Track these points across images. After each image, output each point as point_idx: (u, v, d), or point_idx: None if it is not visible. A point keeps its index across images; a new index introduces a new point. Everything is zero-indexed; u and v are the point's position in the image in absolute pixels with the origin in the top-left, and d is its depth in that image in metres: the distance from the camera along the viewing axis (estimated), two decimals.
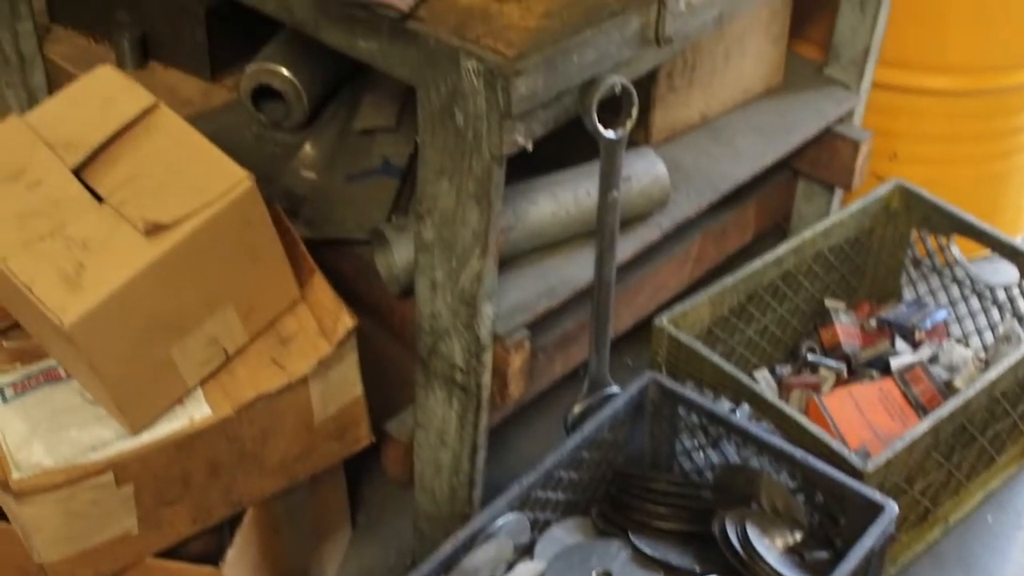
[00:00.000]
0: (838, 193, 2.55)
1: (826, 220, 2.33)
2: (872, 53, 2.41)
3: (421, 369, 1.88)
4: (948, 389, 2.20)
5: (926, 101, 2.61)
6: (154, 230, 1.58)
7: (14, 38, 2.53)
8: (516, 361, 1.86)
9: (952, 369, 2.28)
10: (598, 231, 1.79)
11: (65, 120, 1.72)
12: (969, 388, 2.02)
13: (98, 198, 1.64)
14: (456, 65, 1.56)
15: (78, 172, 1.67)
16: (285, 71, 2.21)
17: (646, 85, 2.11)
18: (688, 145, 2.24)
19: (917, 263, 2.47)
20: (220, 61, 2.44)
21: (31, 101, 2.60)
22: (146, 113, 1.70)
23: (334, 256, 2.03)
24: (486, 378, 1.83)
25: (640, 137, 2.18)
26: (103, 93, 1.74)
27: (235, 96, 2.37)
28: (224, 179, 1.63)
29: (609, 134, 1.68)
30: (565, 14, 1.60)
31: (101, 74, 1.77)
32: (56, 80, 2.58)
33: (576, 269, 1.97)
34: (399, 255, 1.89)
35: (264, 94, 2.26)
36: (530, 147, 1.61)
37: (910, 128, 2.64)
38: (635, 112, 1.70)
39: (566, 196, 1.96)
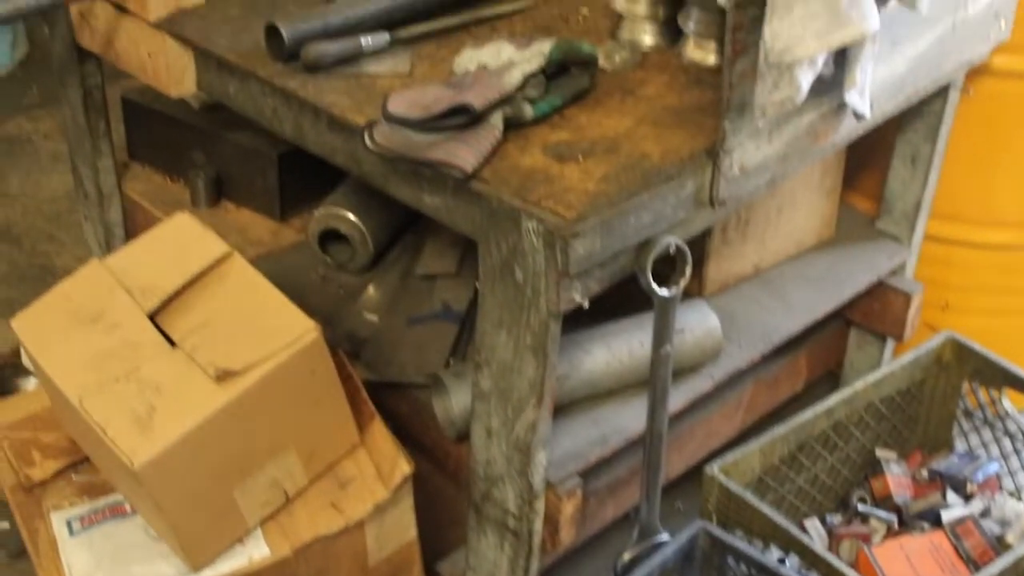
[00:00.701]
0: (890, 342, 2.59)
1: (878, 371, 2.36)
2: (923, 207, 2.47)
3: (474, 513, 1.92)
4: (1000, 544, 2.20)
5: (978, 254, 2.64)
6: (224, 376, 1.65)
7: (95, 174, 2.64)
8: (568, 508, 1.90)
9: (1004, 523, 2.28)
10: (651, 383, 1.83)
11: (143, 265, 1.80)
12: (1021, 544, 2.02)
13: (171, 343, 1.72)
14: (517, 225, 1.63)
15: (153, 316, 1.75)
16: (351, 216, 2.30)
17: (700, 238, 2.17)
18: (741, 296, 2.30)
19: (969, 414, 2.48)
20: (290, 203, 2.54)
21: (107, 235, 2.71)
22: (220, 261, 1.79)
23: (393, 398, 2.08)
24: (538, 524, 1.87)
25: (694, 288, 2.24)
26: (180, 240, 1.83)
27: (303, 237, 2.46)
28: (292, 329, 1.70)
29: (663, 292, 1.74)
30: (623, 177, 1.67)
31: (178, 221, 1.86)
32: (132, 215, 2.70)
33: (629, 417, 2.01)
34: (456, 401, 1.95)
35: (331, 237, 2.35)
36: (586, 304, 1.67)
37: (962, 280, 2.67)
38: (689, 271, 1.75)
39: (620, 347, 2.01)
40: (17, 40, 4.34)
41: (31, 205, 3.77)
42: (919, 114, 2.36)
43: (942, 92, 2.31)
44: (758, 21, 1.63)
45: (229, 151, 2.56)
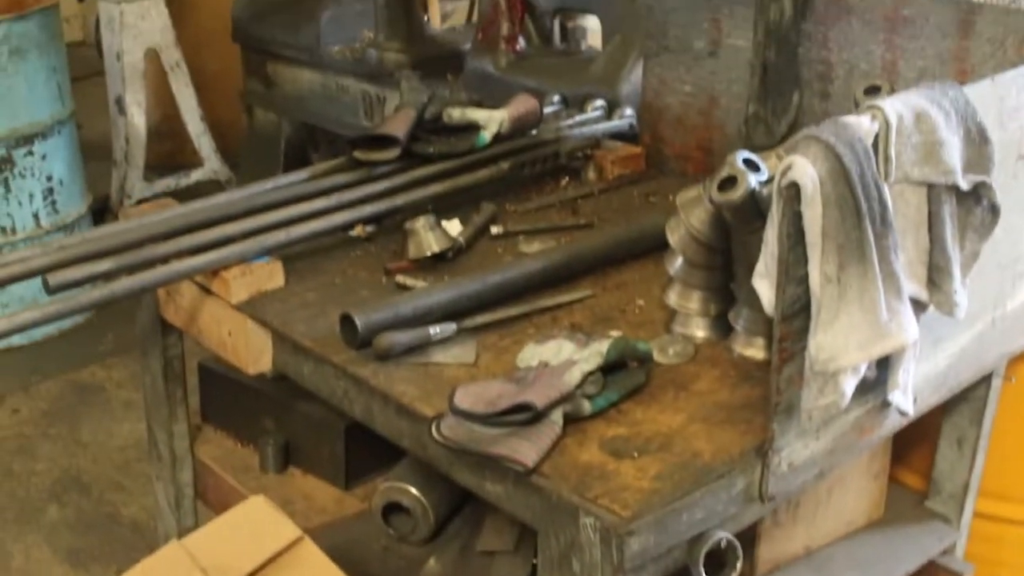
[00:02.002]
0: None
1: None
2: (972, 488, 2.52)
3: None
4: None
5: None
6: None
7: (169, 438, 2.77)
8: None
9: None
10: None
11: (219, 546, 1.90)
12: None
13: None
14: (575, 519, 1.71)
15: None
16: (414, 490, 2.39)
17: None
18: None
19: None
20: (355, 472, 2.64)
21: (178, 495, 2.82)
22: (292, 545, 1.87)
23: None
24: None
25: (746, 570, 2.28)
26: (254, 523, 1.92)
27: (367, 506, 2.54)
28: None
29: None
30: (676, 476, 1.75)
31: (254, 504, 1.96)
32: (202, 478, 2.80)
33: None
34: None
35: (393, 508, 2.43)
36: None
37: (1014, 558, 2.70)
38: (739, 565, 1.82)
39: None
40: None
41: (101, 453, 3.91)
42: (964, 399, 2.44)
43: (985, 379, 2.40)
44: (803, 332, 1.74)
45: (298, 420, 2.68)
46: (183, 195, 5.67)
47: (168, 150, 5.90)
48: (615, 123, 2.99)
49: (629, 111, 3.01)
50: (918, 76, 2.40)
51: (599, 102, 3.04)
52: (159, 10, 5.27)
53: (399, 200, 2.56)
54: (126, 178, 5.35)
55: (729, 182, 1.92)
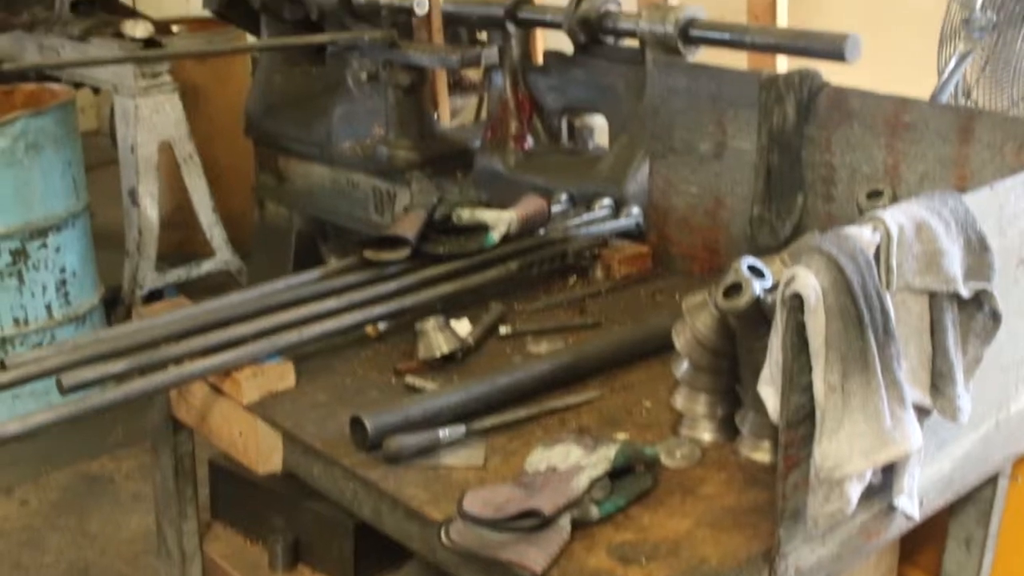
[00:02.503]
0: None
1: None
2: None
3: None
4: None
5: None
6: None
7: (178, 536, 2.78)
8: None
9: None
10: None
11: None
12: None
13: None
14: None
15: None
16: None
17: None
18: None
19: None
20: (364, 572, 2.64)
21: None
22: None
23: None
24: None
25: None
26: None
27: None
28: None
29: None
30: None
31: None
32: (211, 575, 2.81)
33: None
34: None
35: None
36: None
37: None
38: None
39: None
40: None
41: (110, 546, 3.90)
42: (970, 500, 2.45)
43: (991, 480, 2.41)
44: (808, 439, 1.76)
45: (308, 518, 2.69)
46: (194, 286, 5.72)
47: (179, 240, 5.95)
48: (622, 222, 3.03)
49: (636, 210, 3.05)
50: (919, 180, 2.44)
51: (606, 201, 3.09)
52: (173, 104, 5.35)
53: (409, 300, 2.60)
54: (138, 269, 5.39)
55: (734, 289, 1.95)
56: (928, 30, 4.04)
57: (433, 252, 2.73)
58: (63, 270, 4.50)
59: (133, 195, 5.36)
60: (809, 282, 1.68)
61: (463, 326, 2.57)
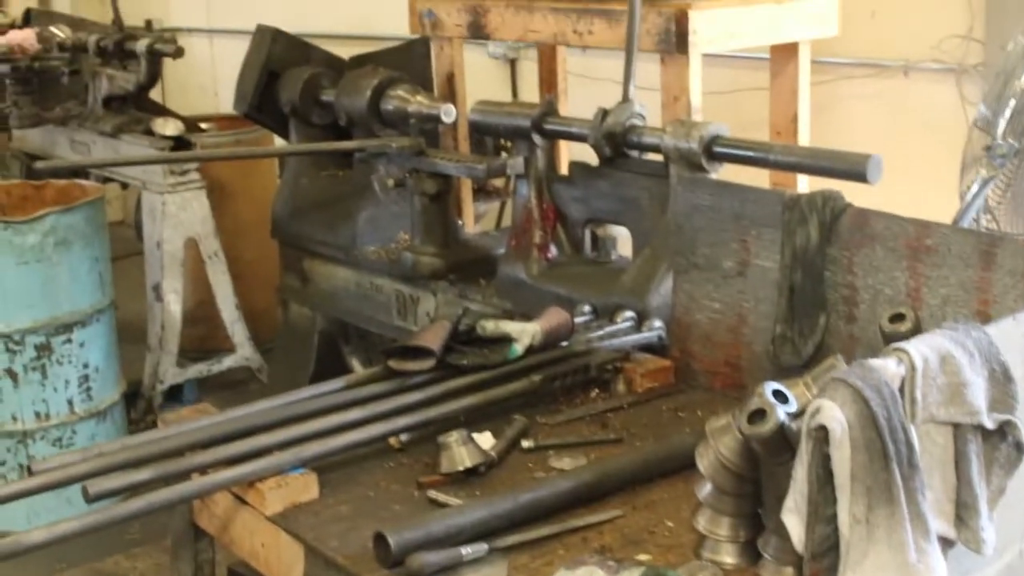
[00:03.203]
0: None
1: None
2: None
3: None
4: None
5: None
6: None
7: None
8: None
9: None
10: None
11: None
12: None
13: None
14: None
15: None
16: None
17: None
18: None
19: None
20: None
21: None
22: None
23: None
24: None
25: None
26: None
27: None
28: None
29: None
30: None
31: None
32: None
33: None
34: None
35: None
36: None
37: None
38: None
39: None
40: None
41: None
42: None
43: None
44: (833, 569, 1.76)
45: None
46: (215, 381, 5.75)
47: (200, 334, 5.98)
48: (644, 335, 3.05)
49: (658, 323, 3.08)
50: (941, 303, 2.46)
51: (628, 313, 3.11)
52: (200, 201, 5.42)
53: (433, 412, 2.61)
54: (159, 364, 5.42)
55: (758, 415, 1.96)
56: (949, 146, 4.11)
57: (457, 363, 2.75)
58: (86, 365, 4.53)
59: (157, 290, 5.42)
60: (835, 415, 1.69)
61: (486, 439, 2.58)
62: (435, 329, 2.79)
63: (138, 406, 5.26)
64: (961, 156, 3.01)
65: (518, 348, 2.81)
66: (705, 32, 3.35)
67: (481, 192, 4.64)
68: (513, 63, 5.76)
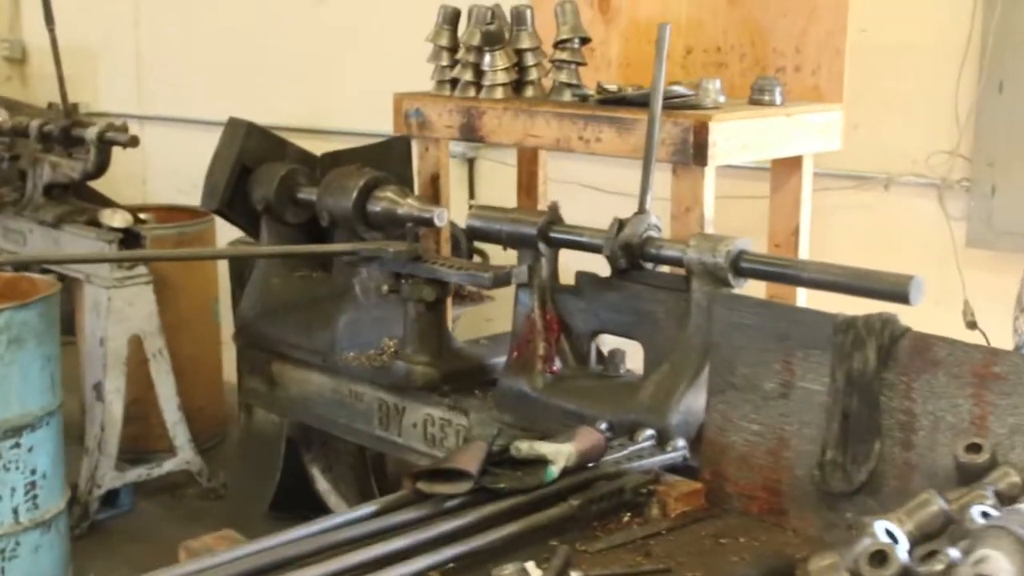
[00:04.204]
0: None
1: None
2: None
3: None
4: None
5: None
6: None
7: None
8: None
9: None
10: None
11: None
12: None
13: None
14: None
15: None
16: None
17: None
18: None
19: None
20: None
21: None
22: None
23: None
24: None
25: None
26: None
27: None
28: None
29: None
30: None
31: None
32: None
33: None
34: None
35: None
36: None
37: None
38: None
39: None
40: None
41: None
42: None
43: None
44: None
45: None
46: (152, 485, 5.48)
47: (133, 434, 5.67)
48: (669, 456, 2.94)
49: (681, 442, 2.97)
50: (1009, 433, 2.39)
51: (648, 432, 3.00)
52: (147, 297, 5.20)
53: (478, 541, 2.46)
54: (97, 467, 5.15)
55: (879, 558, 1.86)
56: (931, 261, 4.12)
57: (494, 487, 2.61)
58: (34, 471, 4.26)
59: (99, 389, 5.16)
60: (1001, 565, 1.60)
61: (532, 570, 2.43)
62: (471, 450, 2.65)
63: (73, 512, 4.97)
64: (1018, 289, 2.99)
65: (554, 471, 2.68)
66: (723, 144, 3.30)
67: (456, 296, 4.52)
68: (471, 162, 5.68)
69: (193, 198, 7.13)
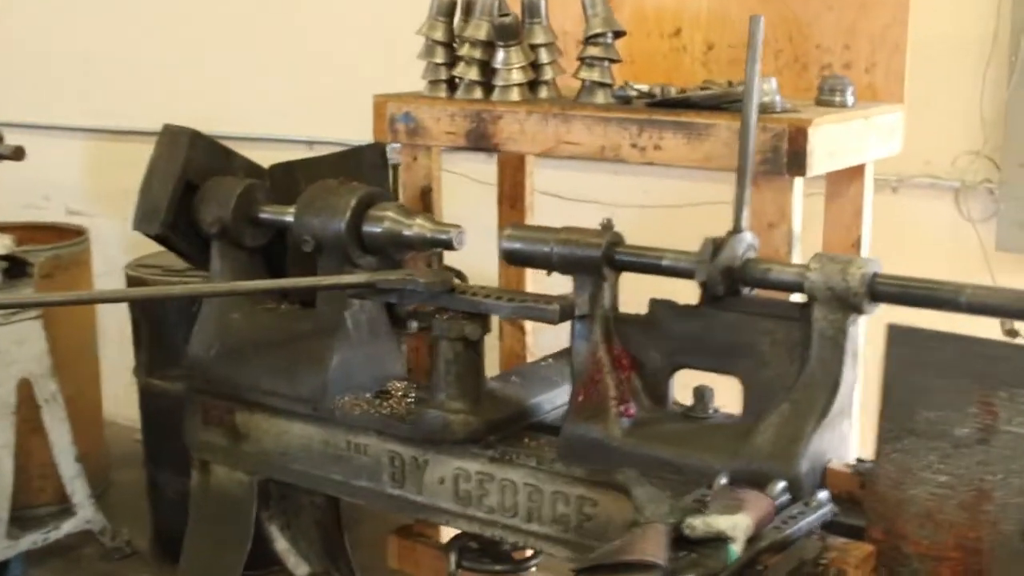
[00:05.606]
0: None
1: None
2: None
3: None
4: None
5: None
6: None
7: None
8: None
9: None
10: None
11: None
12: None
13: None
14: None
15: None
16: None
17: None
18: None
19: None
20: None
21: None
22: None
23: None
24: None
25: None
26: None
27: None
28: None
29: None
30: None
31: None
32: None
33: None
34: None
35: None
36: None
37: None
38: None
39: None
40: None
41: None
42: None
43: None
44: None
45: None
46: (53, 551, 4.74)
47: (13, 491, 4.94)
48: (818, 514, 2.54)
49: (825, 495, 2.58)
50: None
51: (780, 485, 2.59)
52: (38, 334, 4.47)
53: None
54: None
55: None
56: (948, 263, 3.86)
57: None
58: None
59: None
60: None
61: None
62: (651, 537, 2.18)
63: None
64: None
65: (735, 549, 2.24)
66: (819, 152, 2.92)
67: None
68: (395, 168, 5.13)
69: (47, 213, 6.36)
